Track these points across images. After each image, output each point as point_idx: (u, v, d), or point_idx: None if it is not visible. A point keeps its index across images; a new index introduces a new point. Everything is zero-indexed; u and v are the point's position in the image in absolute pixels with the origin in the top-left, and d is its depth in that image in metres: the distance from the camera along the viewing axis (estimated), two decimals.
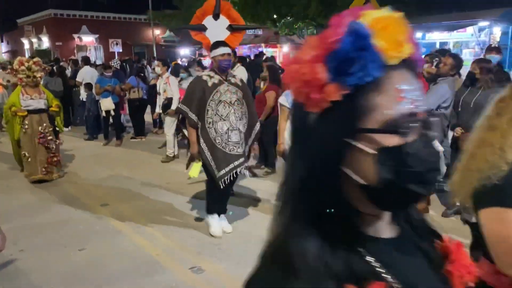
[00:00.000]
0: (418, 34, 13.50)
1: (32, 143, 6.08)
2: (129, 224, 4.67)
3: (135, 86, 8.45)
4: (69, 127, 10.23)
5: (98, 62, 19.06)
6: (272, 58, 11.26)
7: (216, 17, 4.62)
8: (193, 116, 4.04)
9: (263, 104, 6.14)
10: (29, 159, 6.13)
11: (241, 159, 4.17)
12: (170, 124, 7.13)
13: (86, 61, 10.69)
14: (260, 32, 25.89)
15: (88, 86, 9.23)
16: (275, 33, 21.53)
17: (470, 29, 12.48)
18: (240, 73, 6.74)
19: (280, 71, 6.65)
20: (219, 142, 4.05)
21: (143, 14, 27.62)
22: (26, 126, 6.05)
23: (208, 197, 4.40)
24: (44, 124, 6.18)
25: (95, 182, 6.28)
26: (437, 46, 13.70)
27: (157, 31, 29.81)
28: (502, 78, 5.00)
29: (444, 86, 4.63)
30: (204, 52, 23.59)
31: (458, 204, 1.95)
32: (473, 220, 1.51)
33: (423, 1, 13.48)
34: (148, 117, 9.42)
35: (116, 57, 20.04)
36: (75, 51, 27.16)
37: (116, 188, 5.95)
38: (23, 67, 5.98)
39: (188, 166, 4.53)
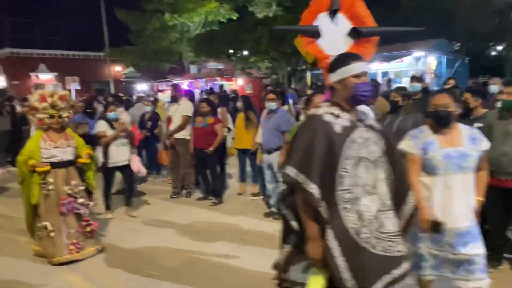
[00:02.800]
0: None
1: (57, 210, 4.40)
2: None
3: (82, 122, 8.54)
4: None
5: None
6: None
7: (332, 14, 3.13)
8: (314, 189, 2.09)
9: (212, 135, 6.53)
10: (52, 234, 4.40)
11: (405, 265, 2.22)
12: None
13: None
14: (221, 66, 26.64)
15: None
16: (233, 67, 22.27)
17: (406, 59, 13.45)
18: (186, 106, 7.05)
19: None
20: (365, 238, 2.15)
21: (101, 51, 27.76)
22: (50, 187, 4.37)
23: None
24: (73, 182, 4.50)
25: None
26: (380, 76, 14.64)
27: (118, 68, 29.97)
28: (426, 103, 5.58)
29: None
30: (161, 86, 24.00)
31: None
32: None
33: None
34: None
35: (74, 95, 20.04)
36: (32, 90, 26.82)
37: None
38: (45, 104, 4.39)
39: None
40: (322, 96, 3.69)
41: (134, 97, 15.56)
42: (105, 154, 5.88)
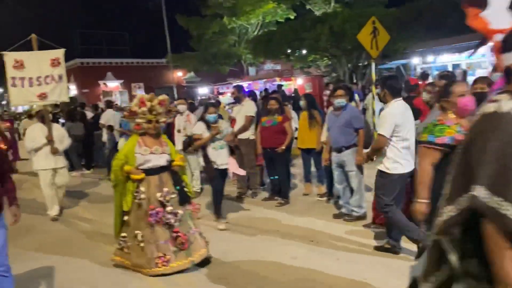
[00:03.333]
0: (430, 58, 13.61)
1: (147, 219, 4.16)
2: None
3: None
4: (91, 170, 10.76)
5: (124, 105, 19.89)
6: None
7: None
8: None
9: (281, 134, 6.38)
10: (142, 244, 4.18)
11: None
12: (194, 160, 7.22)
13: (108, 104, 11.27)
14: (278, 67, 26.58)
15: (109, 128, 9.72)
16: (291, 67, 22.08)
17: (481, 50, 12.51)
18: (249, 107, 6.99)
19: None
20: None
21: (163, 58, 28.76)
22: (142, 196, 4.19)
23: None
24: (165, 189, 4.26)
25: None
26: (450, 68, 13.77)
27: (180, 73, 30.93)
28: None
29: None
30: (221, 89, 24.39)
31: None
32: None
33: (432, 25, 13.63)
34: None
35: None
36: (101, 97, 28.35)
37: None
38: (144, 109, 4.26)
39: None
40: (464, 84, 3.26)
41: (195, 101, 15.90)
42: (205, 157, 5.55)
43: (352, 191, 5.48)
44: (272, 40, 17.17)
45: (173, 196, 4.26)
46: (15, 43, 6.86)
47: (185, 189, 4.43)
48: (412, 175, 3.92)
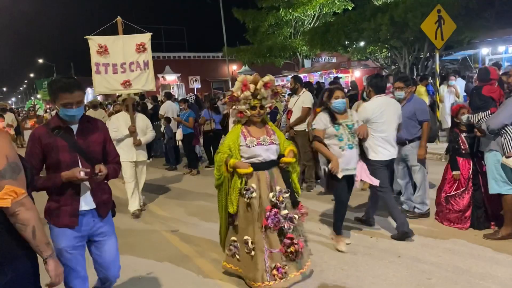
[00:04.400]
0: (501, 48, 12.70)
1: (259, 223, 3.51)
2: None
3: (207, 119, 9.08)
4: (150, 159, 11.07)
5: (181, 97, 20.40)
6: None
7: None
8: None
9: None
10: (253, 252, 3.52)
11: None
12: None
13: (168, 96, 11.54)
14: (334, 59, 26.05)
15: (167, 119, 9.96)
16: (348, 59, 21.51)
17: None
18: (306, 98, 6.86)
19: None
20: None
21: (219, 52, 29.17)
22: (253, 194, 3.50)
23: None
24: (277, 188, 3.58)
25: None
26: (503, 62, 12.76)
27: (234, 67, 31.23)
28: None
29: None
30: (276, 82, 24.24)
31: None
32: None
33: (502, 15, 12.68)
34: None
35: (195, 93, 21.33)
36: (160, 90, 29.30)
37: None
38: (247, 93, 3.56)
39: None
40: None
41: None
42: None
43: (415, 187, 5.21)
44: (329, 31, 16.77)
45: (286, 195, 3.58)
46: (100, 27, 6.44)
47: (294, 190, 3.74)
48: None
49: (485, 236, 4.43)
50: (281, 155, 3.70)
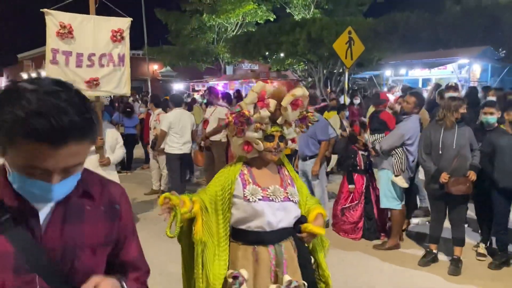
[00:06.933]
0: (402, 71, 13.99)
1: None
2: None
3: (118, 123, 8.81)
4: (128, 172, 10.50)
5: None
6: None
7: None
8: None
9: None
10: None
11: None
12: (163, 160, 7.06)
13: None
14: (256, 67, 26.69)
15: None
16: (269, 69, 22.24)
17: (450, 67, 12.97)
18: (222, 110, 7.01)
19: None
20: None
21: (139, 50, 28.39)
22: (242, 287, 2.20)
23: None
24: (287, 280, 2.05)
25: None
26: (420, 82, 14.20)
27: (155, 66, 30.53)
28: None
29: (407, 123, 4.89)
30: (197, 87, 24.25)
31: None
32: None
33: (406, 39, 14.03)
34: (139, 152, 9.67)
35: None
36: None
37: None
38: (265, 112, 2.13)
39: None
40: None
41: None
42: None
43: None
44: (250, 41, 17.25)
45: None
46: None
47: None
48: None
49: (374, 246, 4.92)
50: (300, 220, 2.17)
